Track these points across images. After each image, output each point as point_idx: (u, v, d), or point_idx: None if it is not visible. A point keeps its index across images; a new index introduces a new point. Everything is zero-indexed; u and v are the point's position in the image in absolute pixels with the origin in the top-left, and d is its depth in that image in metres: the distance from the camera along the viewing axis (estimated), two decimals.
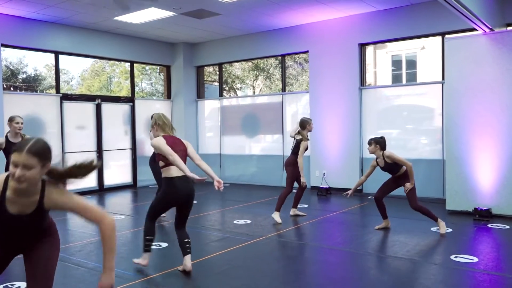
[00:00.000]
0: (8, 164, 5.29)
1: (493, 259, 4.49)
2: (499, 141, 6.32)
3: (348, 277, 4.11)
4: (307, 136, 6.41)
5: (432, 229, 5.67)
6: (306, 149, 6.38)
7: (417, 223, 6.04)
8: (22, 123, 5.30)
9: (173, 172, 4.02)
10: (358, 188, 8.77)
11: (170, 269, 4.23)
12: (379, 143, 5.50)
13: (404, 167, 5.47)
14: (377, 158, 5.55)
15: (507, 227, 5.79)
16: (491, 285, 3.73)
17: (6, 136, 5.27)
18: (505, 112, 6.26)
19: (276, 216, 6.26)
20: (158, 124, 4.22)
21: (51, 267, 2.37)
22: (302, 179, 6.31)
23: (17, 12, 8.15)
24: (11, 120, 5.27)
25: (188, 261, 4.13)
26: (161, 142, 3.99)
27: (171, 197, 4.10)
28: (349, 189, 8.71)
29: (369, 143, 5.57)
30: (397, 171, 5.53)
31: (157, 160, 4.12)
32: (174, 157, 3.89)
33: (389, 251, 4.79)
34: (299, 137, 6.40)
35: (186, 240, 4.17)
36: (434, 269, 4.20)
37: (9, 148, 5.23)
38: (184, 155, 4.12)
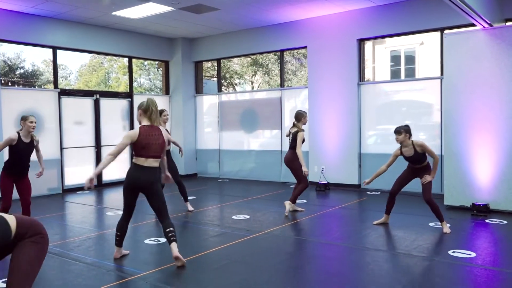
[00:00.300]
0: (13, 160, 5.23)
1: (490, 254, 4.51)
2: (497, 136, 6.33)
3: (346, 272, 4.12)
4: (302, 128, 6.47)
5: (430, 224, 5.68)
6: (304, 141, 6.42)
7: (415, 218, 6.06)
8: (35, 123, 5.30)
9: (141, 161, 4.16)
10: (356, 183, 8.82)
11: (168, 265, 4.23)
12: (409, 131, 5.35)
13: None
14: (401, 148, 5.40)
15: (505, 222, 5.80)
16: (489, 280, 3.75)
17: (19, 133, 5.25)
18: (504, 107, 6.27)
19: (288, 206, 6.43)
20: (151, 110, 4.21)
21: (29, 267, 2.37)
22: (304, 169, 6.35)
23: (15, 7, 8.12)
24: (25, 119, 5.23)
25: (174, 249, 4.14)
26: (125, 138, 4.10)
27: (128, 182, 4.21)
28: (348, 184, 8.83)
29: (399, 132, 5.34)
30: (422, 162, 5.40)
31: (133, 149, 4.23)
32: (107, 157, 4.05)
33: (387, 246, 4.80)
34: (294, 129, 6.45)
35: (168, 229, 4.19)
36: (432, 264, 4.22)
37: (19, 145, 5.20)
38: (161, 146, 4.26)
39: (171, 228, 4.19)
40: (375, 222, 5.81)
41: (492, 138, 6.36)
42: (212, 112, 11.37)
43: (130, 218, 4.41)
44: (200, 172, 11.48)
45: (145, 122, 4.23)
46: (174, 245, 4.15)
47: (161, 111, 6.61)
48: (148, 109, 4.21)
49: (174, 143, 6.67)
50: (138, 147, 4.14)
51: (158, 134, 4.23)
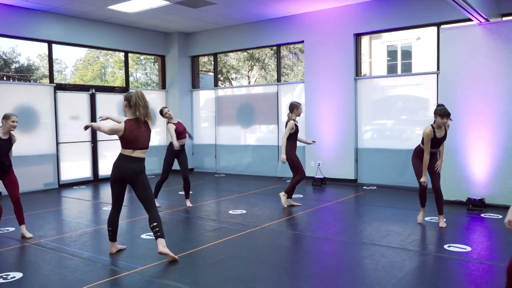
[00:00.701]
0: None
1: (485, 248, 4.53)
2: (493, 131, 6.35)
3: (342, 266, 4.14)
4: (295, 119, 6.47)
5: (426, 219, 5.70)
6: (295, 131, 6.43)
7: (411, 213, 6.08)
8: (17, 122, 5.22)
9: (128, 152, 4.17)
10: (353, 178, 8.84)
11: (165, 259, 4.22)
12: None
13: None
14: (436, 128, 5.20)
15: (500, 216, 5.83)
16: (484, 274, 3.77)
17: None
18: (499, 102, 6.28)
19: (283, 198, 6.56)
20: (136, 105, 4.10)
21: None
22: (282, 156, 6.37)
23: (10, 1, 8.05)
24: (7, 118, 5.14)
25: (159, 245, 4.13)
26: (110, 130, 4.11)
27: (115, 173, 4.21)
28: (345, 179, 8.84)
29: (449, 114, 5.10)
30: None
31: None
32: (97, 125, 4.15)
33: (383, 241, 4.82)
34: (287, 120, 6.54)
35: (153, 225, 4.17)
36: (427, 258, 4.24)
37: None
38: (148, 139, 4.27)
39: (155, 223, 4.16)
40: (419, 221, 5.57)
41: (488, 133, 6.38)
42: (208, 107, 11.34)
43: (119, 212, 4.41)
44: (196, 167, 11.47)
45: (130, 116, 4.18)
46: (159, 241, 4.15)
47: (161, 111, 6.64)
48: (131, 103, 4.12)
49: (188, 134, 6.93)
50: (125, 141, 4.14)
51: (145, 126, 4.21)
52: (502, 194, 6.30)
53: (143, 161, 4.25)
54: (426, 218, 5.70)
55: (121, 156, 4.20)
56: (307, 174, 9.27)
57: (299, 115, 6.53)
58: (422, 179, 5.32)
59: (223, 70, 13.82)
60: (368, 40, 10.87)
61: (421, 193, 5.52)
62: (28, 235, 5.16)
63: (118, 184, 4.27)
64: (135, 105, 4.11)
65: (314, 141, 7.23)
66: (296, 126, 6.47)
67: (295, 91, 9.91)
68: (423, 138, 5.32)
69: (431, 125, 5.23)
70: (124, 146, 4.17)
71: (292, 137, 6.47)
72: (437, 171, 5.34)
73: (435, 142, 5.26)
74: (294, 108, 6.48)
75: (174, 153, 6.64)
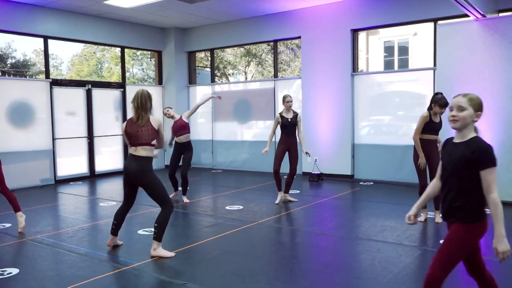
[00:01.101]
0: None
1: (484, 244, 4.53)
2: (489, 127, 6.36)
3: (339, 261, 4.16)
4: (284, 112, 6.51)
5: (422, 214, 5.71)
6: (283, 124, 6.45)
7: (407, 208, 6.04)
8: None
9: (132, 150, 4.24)
10: (350, 174, 8.86)
11: None
12: None
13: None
14: (433, 115, 5.27)
15: None
16: None
17: None
18: (496, 98, 6.30)
19: (278, 196, 6.66)
20: (133, 105, 4.24)
21: None
22: (266, 147, 6.48)
23: None
24: None
25: (151, 248, 4.22)
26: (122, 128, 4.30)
27: (123, 171, 4.33)
28: (342, 175, 8.86)
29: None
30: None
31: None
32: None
33: (379, 236, 4.84)
34: None
35: (155, 225, 4.23)
36: (423, 253, 4.26)
37: None
38: (150, 134, 4.20)
39: (156, 224, 4.21)
40: (421, 220, 5.47)
41: (484, 129, 6.37)
42: (205, 103, 11.29)
43: (127, 209, 4.46)
44: (193, 163, 11.44)
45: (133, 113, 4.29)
46: (153, 243, 4.22)
47: (163, 112, 6.87)
48: (132, 102, 4.25)
49: (195, 110, 7.23)
50: (127, 138, 4.24)
51: (146, 123, 4.21)
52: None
53: (145, 159, 4.21)
54: (422, 214, 5.71)
55: (128, 155, 4.31)
56: (304, 170, 9.34)
57: (288, 108, 6.52)
58: (421, 160, 5.23)
59: (220, 65, 13.79)
60: (365, 36, 10.86)
61: (421, 189, 5.36)
62: (21, 224, 5.13)
63: (125, 182, 4.36)
64: (133, 106, 4.23)
65: (308, 154, 6.50)
66: (284, 118, 6.46)
67: (292, 87, 9.91)
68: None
69: (428, 110, 5.25)
70: (128, 143, 4.26)
71: (282, 131, 6.52)
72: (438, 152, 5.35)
73: (432, 126, 5.27)
74: (282, 101, 6.59)
75: (178, 150, 6.90)
